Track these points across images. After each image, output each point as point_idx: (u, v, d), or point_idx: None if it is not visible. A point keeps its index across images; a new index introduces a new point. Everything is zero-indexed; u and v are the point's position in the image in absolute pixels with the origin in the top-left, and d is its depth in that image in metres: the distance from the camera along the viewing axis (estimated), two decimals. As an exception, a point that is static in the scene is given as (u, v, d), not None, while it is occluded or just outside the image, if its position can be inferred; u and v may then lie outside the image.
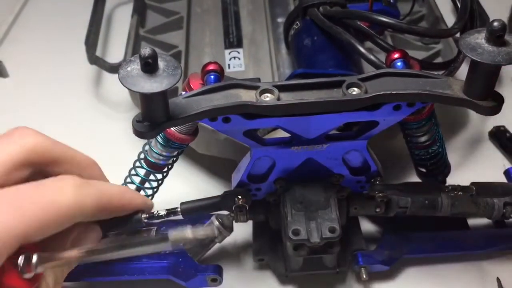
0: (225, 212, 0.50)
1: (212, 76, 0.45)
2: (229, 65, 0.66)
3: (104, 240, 0.44)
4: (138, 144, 0.50)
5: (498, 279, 0.52)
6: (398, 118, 0.42)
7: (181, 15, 0.73)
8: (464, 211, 0.52)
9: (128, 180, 0.52)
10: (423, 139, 0.50)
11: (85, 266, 0.49)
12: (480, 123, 0.69)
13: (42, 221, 0.34)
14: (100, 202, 0.38)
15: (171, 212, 0.47)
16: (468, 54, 0.35)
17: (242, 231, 0.55)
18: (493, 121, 0.68)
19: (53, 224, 0.35)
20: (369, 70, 0.49)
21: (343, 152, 0.46)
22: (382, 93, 0.38)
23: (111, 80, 0.76)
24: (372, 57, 0.51)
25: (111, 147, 0.68)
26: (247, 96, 0.39)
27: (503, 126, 0.66)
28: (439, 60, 0.67)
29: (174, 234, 0.41)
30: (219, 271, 0.50)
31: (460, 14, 0.54)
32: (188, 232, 0.41)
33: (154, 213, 0.47)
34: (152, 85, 0.33)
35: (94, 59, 0.69)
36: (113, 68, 0.67)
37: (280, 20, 0.68)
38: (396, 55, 0.45)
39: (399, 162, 0.61)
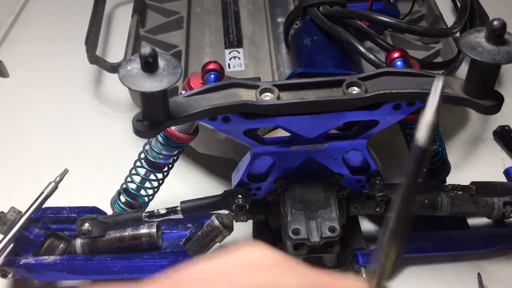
0: (225, 212, 0.50)
1: (212, 75, 0.46)
2: (229, 64, 0.66)
3: None
4: (138, 143, 0.50)
5: (478, 274, 0.52)
6: (398, 118, 0.42)
7: (181, 15, 0.73)
8: (464, 210, 0.52)
9: (129, 179, 0.52)
10: (423, 138, 0.50)
11: (85, 264, 0.50)
12: (480, 123, 0.69)
13: None
14: None
15: (171, 210, 0.47)
16: (468, 53, 0.35)
17: (242, 230, 0.55)
18: (494, 121, 0.68)
19: None
20: (369, 69, 0.49)
21: (343, 152, 0.46)
22: (382, 92, 0.38)
23: (111, 79, 0.76)
24: (372, 56, 0.51)
25: (112, 146, 0.68)
26: (247, 95, 0.39)
27: (508, 126, 0.66)
28: (439, 59, 0.67)
29: None
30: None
31: (460, 13, 0.54)
32: None
33: (154, 211, 0.47)
34: (152, 84, 0.33)
35: (94, 59, 0.69)
36: (114, 68, 0.67)
37: (280, 20, 0.68)
38: (396, 55, 0.45)
39: (399, 161, 0.61)
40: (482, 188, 0.49)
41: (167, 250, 0.52)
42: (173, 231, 0.53)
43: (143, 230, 0.51)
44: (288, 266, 0.22)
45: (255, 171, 0.47)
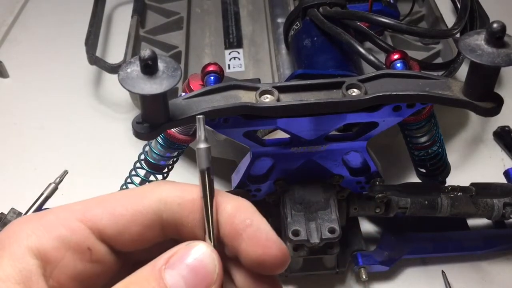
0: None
1: (212, 77, 0.45)
2: (229, 65, 0.66)
3: None
4: (138, 144, 0.50)
5: (443, 272, 0.52)
6: (398, 119, 0.42)
7: (181, 15, 0.73)
8: (464, 211, 0.52)
9: (129, 180, 0.52)
10: (423, 139, 0.50)
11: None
12: (480, 123, 0.69)
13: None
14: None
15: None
16: (467, 56, 0.35)
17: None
18: (494, 121, 0.68)
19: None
20: (369, 70, 0.49)
21: (342, 153, 0.46)
22: (381, 94, 0.38)
23: (111, 80, 0.76)
24: (371, 57, 0.51)
25: (111, 147, 0.68)
26: (247, 97, 0.39)
27: (508, 126, 0.66)
28: (439, 60, 0.67)
29: None
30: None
31: (460, 14, 0.54)
32: None
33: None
34: (152, 87, 0.33)
35: (94, 60, 0.69)
36: (113, 69, 0.67)
37: (280, 20, 0.68)
38: (396, 56, 0.45)
39: (399, 162, 0.61)
40: (482, 189, 0.49)
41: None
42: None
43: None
44: None
45: (255, 173, 0.47)
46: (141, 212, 0.24)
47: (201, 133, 0.26)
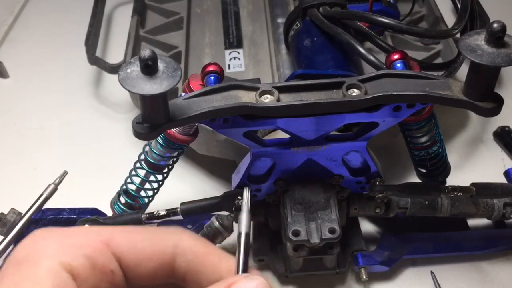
0: (225, 213, 0.50)
1: (212, 77, 0.45)
2: (229, 65, 0.66)
3: None
4: (138, 144, 0.50)
5: (432, 273, 0.52)
6: (398, 119, 0.42)
7: (181, 15, 0.73)
8: (464, 211, 0.52)
9: (129, 180, 0.52)
10: (423, 139, 0.50)
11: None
12: (480, 124, 0.69)
13: None
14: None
15: (171, 212, 0.47)
16: (467, 56, 0.35)
17: (242, 231, 0.55)
18: (494, 122, 0.68)
19: None
20: (369, 70, 0.49)
21: (343, 153, 0.46)
22: (382, 94, 0.38)
23: (111, 80, 0.76)
24: (372, 57, 0.51)
25: (111, 147, 0.68)
26: (247, 97, 0.39)
27: (508, 127, 0.66)
28: (439, 60, 0.67)
29: None
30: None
31: (460, 14, 0.54)
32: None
33: (154, 213, 0.47)
34: (152, 87, 0.33)
35: (94, 60, 0.69)
36: (113, 69, 0.67)
37: (280, 20, 0.68)
38: (396, 56, 0.45)
39: (399, 162, 0.61)
40: (482, 189, 0.49)
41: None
42: (173, 233, 0.53)
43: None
44: None
45: (255, 173, 0.47)
46: (160, 251, 0.27)
47: (245, 205, 0.29)
